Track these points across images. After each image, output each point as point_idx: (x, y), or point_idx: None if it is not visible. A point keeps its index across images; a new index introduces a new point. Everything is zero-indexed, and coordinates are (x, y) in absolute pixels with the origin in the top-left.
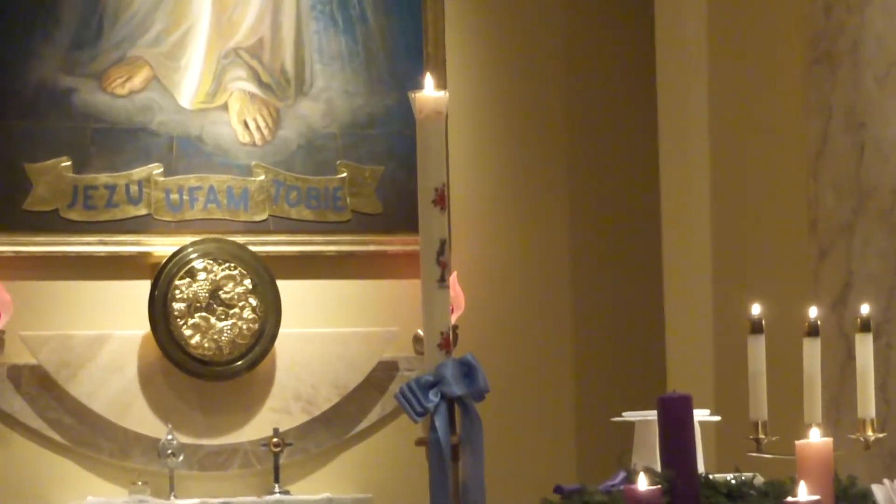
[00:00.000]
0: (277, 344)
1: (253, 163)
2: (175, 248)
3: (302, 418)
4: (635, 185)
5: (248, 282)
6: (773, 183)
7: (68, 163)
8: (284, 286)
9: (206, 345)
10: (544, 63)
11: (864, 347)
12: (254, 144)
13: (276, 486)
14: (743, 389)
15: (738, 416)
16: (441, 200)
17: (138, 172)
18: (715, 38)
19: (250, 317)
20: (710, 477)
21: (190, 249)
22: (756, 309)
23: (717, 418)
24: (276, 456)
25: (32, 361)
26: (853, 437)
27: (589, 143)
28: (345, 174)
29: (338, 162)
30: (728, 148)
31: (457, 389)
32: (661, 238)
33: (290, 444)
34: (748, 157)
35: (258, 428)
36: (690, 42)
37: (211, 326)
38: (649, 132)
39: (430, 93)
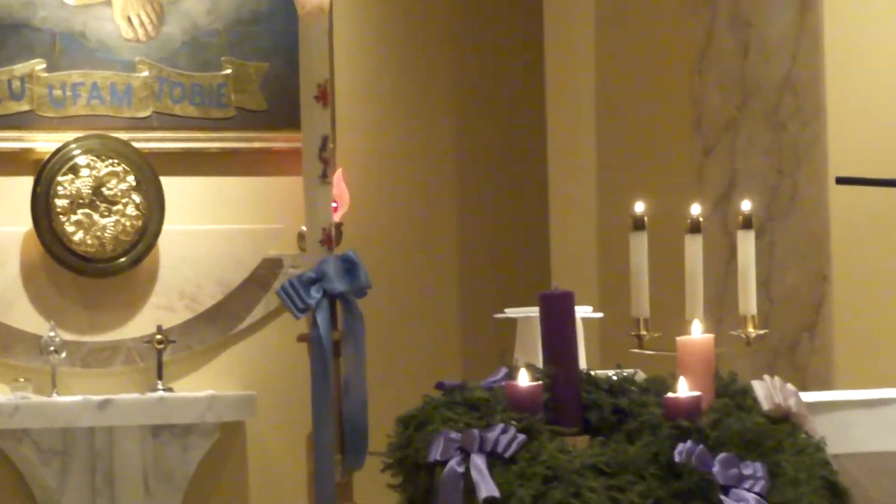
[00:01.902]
0: (161, 241)
1: (137, 59)
2: (58, 145)
3: (185, 315)
4: (521, 82)
5: (131, 178)
6: (658, 80)
7: None
8: (168, 183)
9: (89, 241)
10: None
11: (746, 244)
12: (137, 40)
13: (159, 383)
14: (626, 287)
15: (621, 314)
16: (324, 96)
17: (20, 68)
18: None
19: (133, 213)
20: (592, 373)
21: (73, 146)
22: (639, 206)
23: (600, 315)
24: (160, 353)
25: None
26: (734, 333)
27: (475, 37)
28: (229, 70)
29: (222, 58)
30: (613, 44)
31: (338, 286)
32: (547, 134)
33: (173, 342)
34: (634, 53)
35: (141, 325)
36: None
37: (94, 223)
38: (535, 27)
39: None
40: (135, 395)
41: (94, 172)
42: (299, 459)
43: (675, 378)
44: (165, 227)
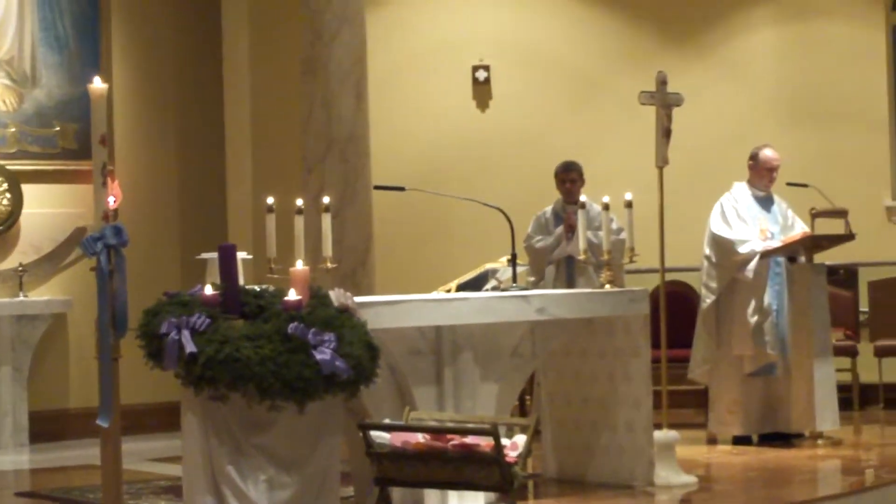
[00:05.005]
0: (22, 218)
1: (7, 121)
2: None
3: (34, 256)
4: (208, 129)
5: (4, 185)
6: (283, 136)
7: None
8: (26, 188)
9: None
10: None
11: (326, 220)
12: (7, 112)
13: (21, 292)
14: (264, 240)
15: (262, 256)
16: (103, 141)
17: None
18: None
19: (6, 204)
20: (246, 287)
21: None
22: (270, 199)
23: (250, 256)
24: (20, 276)
25: None
26: (321, 266)
27: (196, 106)
28: (58, 128)
29: (54, 121)
30: (261, 112)
31: (112, 241)
32: (226, 161)
33: (26, 271)
34: (274, 121)
35: (11, 262)
36: None
37: None
38: (220, 130)
39: (98, 85)
40: (6, 299)
41: None
42: (92, 333)
43: (288, 290)
44: (24, 210)
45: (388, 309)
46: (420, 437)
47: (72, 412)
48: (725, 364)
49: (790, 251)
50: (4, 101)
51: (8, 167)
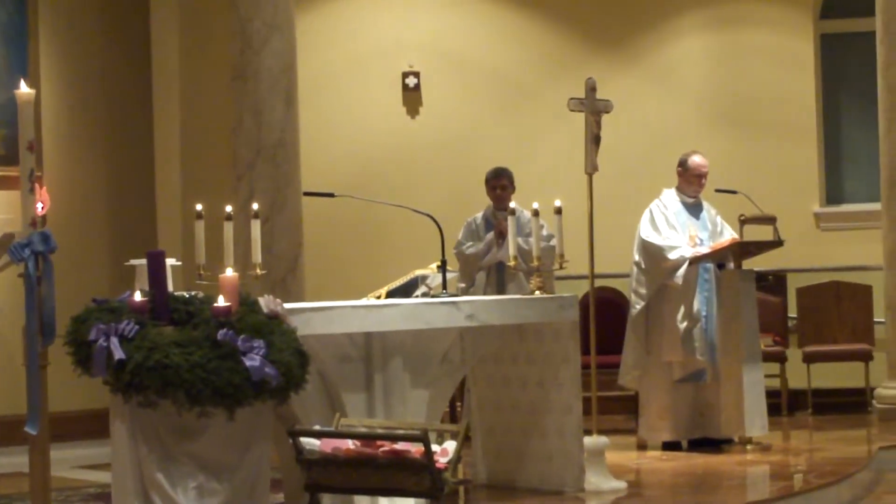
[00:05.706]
0: None
1: None
2: None
3: None
4: (137, 140)
5: None
6: (215, 141)
7: None
8: None
9: None
10: None
11: (255, 227)
12: None
13: None
14: (193, 247)
15: (192, 262)
16: (31, 147)
17: None
18: None
19: None
20: (174, 293)
21: None
22: (199, 206)
23: (179, 263)
24: None
25: None
26: (250, 273)
27: (127, 123)
28: None
29: None
30: (192, 118)
31: (39, 247)
32: (155, 170)
33: None
34: (207, 127)
35: None
36: None
37: None
38: (149, 137)
39: (25, 90)
40: None
41: None
42: (20, 340)
43: (218, 296)
44: None
45: (318, 315)
46: (350, 444)
47: None
48: (655, 370)
49: (719, 257)
50: None
51: None
